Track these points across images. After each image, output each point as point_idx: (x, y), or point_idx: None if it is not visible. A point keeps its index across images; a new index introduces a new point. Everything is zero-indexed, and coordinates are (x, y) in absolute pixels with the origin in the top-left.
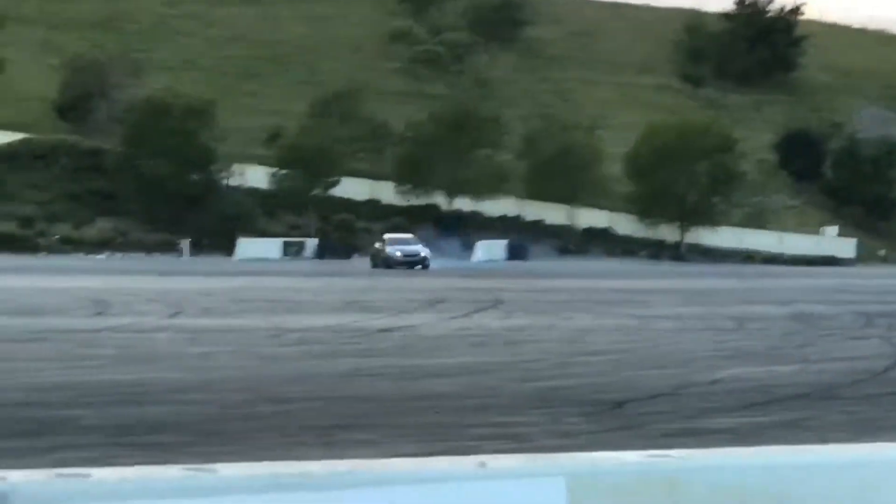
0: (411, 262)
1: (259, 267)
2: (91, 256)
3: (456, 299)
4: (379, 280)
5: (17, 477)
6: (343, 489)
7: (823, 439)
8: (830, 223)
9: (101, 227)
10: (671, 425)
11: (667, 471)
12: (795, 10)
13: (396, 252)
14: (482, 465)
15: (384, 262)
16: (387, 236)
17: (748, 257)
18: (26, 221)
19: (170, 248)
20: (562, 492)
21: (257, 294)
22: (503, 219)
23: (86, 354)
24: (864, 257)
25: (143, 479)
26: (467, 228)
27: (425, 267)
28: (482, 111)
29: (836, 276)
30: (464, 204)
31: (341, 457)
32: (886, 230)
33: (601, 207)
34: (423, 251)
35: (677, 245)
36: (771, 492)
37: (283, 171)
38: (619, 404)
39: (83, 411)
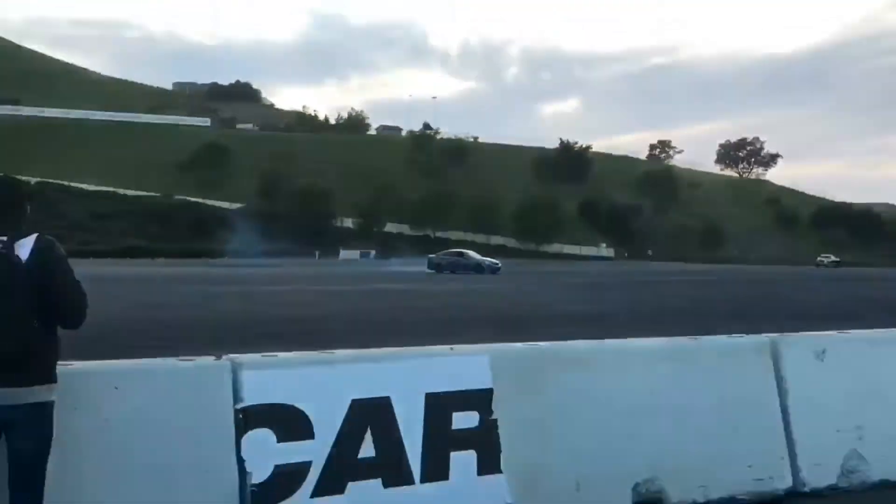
0: (495, 268)
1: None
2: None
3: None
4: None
5: (243, 358)
6: (385, 362)
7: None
8: (604, 242)
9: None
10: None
11: (539, 351)
12: (587, 148)
13: (486, 261)
14: (451, 348)
15: (476, 269)
16: (465, 252)
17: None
18: None
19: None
20: (486, 362)
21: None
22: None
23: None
24: (616, 258)
25: (298, 358)
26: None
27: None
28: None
29: (604, 266)
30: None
31: (379, 345)
32: (629, 243)
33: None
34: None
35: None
36: (581, 360)
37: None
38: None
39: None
